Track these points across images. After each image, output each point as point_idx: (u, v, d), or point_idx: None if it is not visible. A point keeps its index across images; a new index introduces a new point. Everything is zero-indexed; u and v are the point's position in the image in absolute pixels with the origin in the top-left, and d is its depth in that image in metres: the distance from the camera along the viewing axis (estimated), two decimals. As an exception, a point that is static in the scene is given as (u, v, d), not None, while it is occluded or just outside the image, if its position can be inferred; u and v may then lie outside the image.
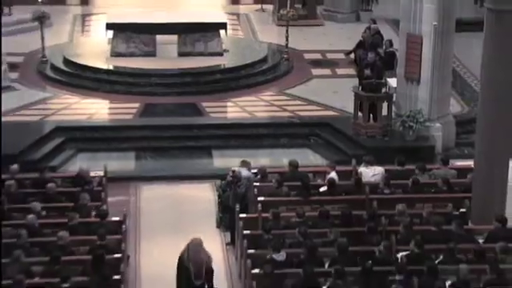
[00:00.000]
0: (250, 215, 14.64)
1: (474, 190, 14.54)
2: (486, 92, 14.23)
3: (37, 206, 14.26)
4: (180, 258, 12.84)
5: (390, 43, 21.13)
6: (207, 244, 14.67)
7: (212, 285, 12.68)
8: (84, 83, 20.74)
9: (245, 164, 15.73)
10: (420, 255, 12.83)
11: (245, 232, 13.93)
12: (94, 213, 14.43)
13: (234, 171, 15.19)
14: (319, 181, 15.83)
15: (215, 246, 15.02)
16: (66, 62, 21.49)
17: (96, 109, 19.81)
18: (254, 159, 16.81)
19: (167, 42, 21.82)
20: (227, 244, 15.06)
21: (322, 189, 15.23)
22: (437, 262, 12.88)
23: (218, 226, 15.67)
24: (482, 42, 14.20)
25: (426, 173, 15.87)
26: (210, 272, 12.68)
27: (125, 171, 17.65)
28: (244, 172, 15.39)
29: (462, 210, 14.53)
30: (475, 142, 14.88)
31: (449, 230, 13.68)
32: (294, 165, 15.87)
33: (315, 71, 22.19)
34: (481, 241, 13.64)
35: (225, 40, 22.13)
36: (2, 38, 22.07)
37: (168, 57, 21.67)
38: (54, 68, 21.44)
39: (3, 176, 15.20)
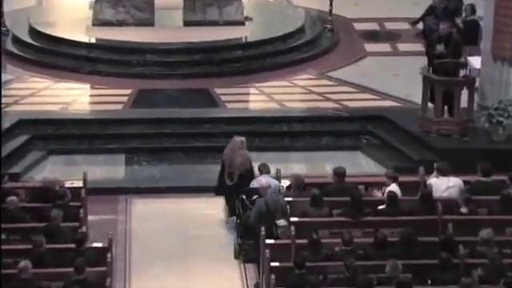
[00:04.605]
0: (279, 241, 14.63)
1: None
2: None
3: (-8, 226, 14.32)
4: (223, 155, 16.23)
5: (472, 9, 21.06)
6: (222, 282, 14.73)
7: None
8: (57, 62, 20.87)
9: (264, 168, 15.78)
10: (511, 298, 12.78)
11: (272, 264, 13.91)
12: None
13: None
14: (378, 193, 15.79)
15: (233, 284, 15.02)
16: (33, 32, 21.62)
17: (74, 96, 19.92)
18: (285, 165, 16.89)
19: (169, 7, 21.91)
20: (255, 286, 14.99)
21: (381, 207, 15.21)
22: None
23: (237, 257, 15.68)
24: None
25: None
26: (244, 177, 15.75)
27: (112, 180, 17.76)
28: (272, 181, 15.48)
29: None
30: None
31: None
32: (340, 174, 15.85)
33: (369, 47, 22.25)
34: None
35: (247, 4, 22.17)
36: None
37: (170, 26, 21.77)
38: (17, 41, 21.57)
39: None
